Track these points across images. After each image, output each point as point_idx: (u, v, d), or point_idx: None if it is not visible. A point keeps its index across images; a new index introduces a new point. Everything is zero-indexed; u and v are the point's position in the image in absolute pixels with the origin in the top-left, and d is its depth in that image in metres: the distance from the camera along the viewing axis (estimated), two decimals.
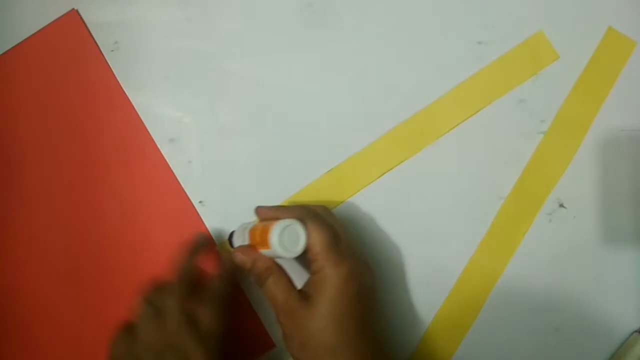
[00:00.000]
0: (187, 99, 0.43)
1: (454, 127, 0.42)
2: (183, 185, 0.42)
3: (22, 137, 0.43)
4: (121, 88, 0.43)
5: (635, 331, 0.42)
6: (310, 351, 0.33)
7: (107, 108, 0.43)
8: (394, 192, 0.42)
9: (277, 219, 0.35)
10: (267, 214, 0.37)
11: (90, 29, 0.43)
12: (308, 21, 0.43)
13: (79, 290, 0.42)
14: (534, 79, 0.43)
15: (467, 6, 0.43)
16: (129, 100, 0.43)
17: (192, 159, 0.43)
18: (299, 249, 0.33)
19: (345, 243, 0.35)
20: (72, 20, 0.43)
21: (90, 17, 0.43)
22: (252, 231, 0.37)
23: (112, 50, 0.43)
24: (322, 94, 0.43)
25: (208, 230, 0.42)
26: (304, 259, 0.35)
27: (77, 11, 0.43)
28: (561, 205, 0.42)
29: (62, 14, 0.43)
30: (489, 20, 0.43)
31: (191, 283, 0.38)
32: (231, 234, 0.40)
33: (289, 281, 0.35)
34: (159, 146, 0.42)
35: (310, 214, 0.35)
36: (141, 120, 0.42)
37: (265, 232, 0.34)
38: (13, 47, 0.43)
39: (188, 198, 0.42)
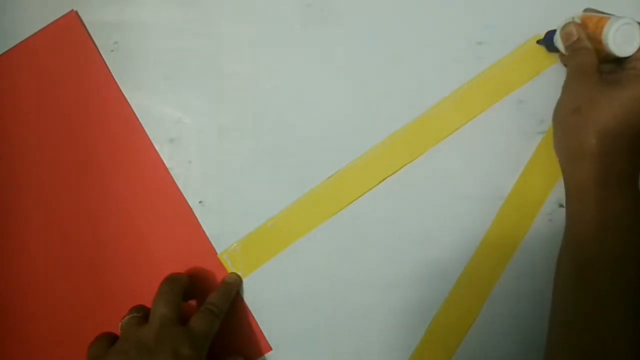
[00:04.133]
0: (186, 99, 0.43)
1: (454, 131, 0.42)
2: (183, 185, 0.42)
3: (20, 137, 0.43)
4: (119, 89, 0.43)
5: None
6: (581, 118, 0.35)
7: (105, 109, 0.43)
8: (394, 194, 0.42)
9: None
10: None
11: (90, 30, 0.43)
12: (307, 21, 0.43)
13: (76, 290, 0.42)
14: (534, 80, 0.43)
15: (467, 6, 0.43)
16: (127, 101, 0.43)
17: (191, 159, 0.43)
18: (632, 48, 0.35)
19: None
20: (72, 21, 0.43)
21: (91, 18, 0.43)
22: (587, 19, 0.38)
23: (112, 51, 0.43)
24: (321, 94, 0.43)
25: (205, 233, 0.42)
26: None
27: (76, 12, 0.43)
28: (561, 206, 0.42)
29: (61, 14, 0.43)
30: (488, 20, 0.43)
31: (184, 294, 0.39)
32: (549, 32, 0.40)
33: (599, 63, 0.36)
34: (158, 146, 0.42)
35: None
36: (139, 121, 0.42)
37: (601, 23, 0.35)
38: (12, 48, 0.43)
39: (185, 199, 0.42)
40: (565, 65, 0.40)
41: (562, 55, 0.41)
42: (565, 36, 0.38)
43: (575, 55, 0.37)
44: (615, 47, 0.35)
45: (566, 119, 0.36)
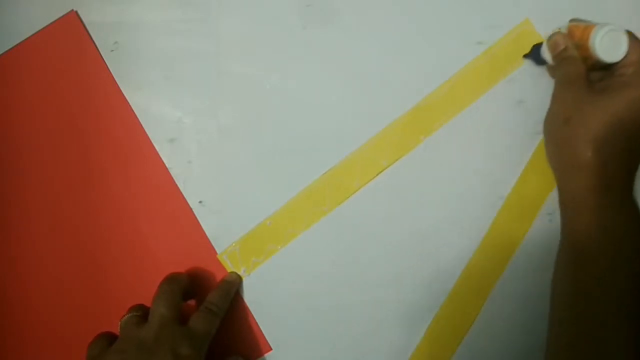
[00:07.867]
0: (186, 99, 0.43)
1: (448, 120, 0.42)
2: (183, 185, 0.42)
3: (20, 137, 0.43)
4: (119, 89, 0.43)
5: None
6: (572, 129, 0.35)
7: (105, 109, 0.43)
8: (394, 192, 0.42)
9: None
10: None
11: (90, 30, 0.43)
12: (308, 21, 0.43)
13: (75, 290, 0.42)
14: (534, 79, 0.43)
15: (466, 6, 0.43)
16: (127, 101, 0.43)
17: (191, 159, 0.43)
18: (619, 54, 0.35)
19: None
20: (72, 21, 0.43)
21: (91, 17, 0.43)
22: (574, 27, 0.38)
23: (112, 51, 0.43)
24: (321, 93, 0.43)
25: (205, 233, 0.42)
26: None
27: (76, 12, 0.43)
28: None
29: (61, 14, 0.43)
30: (488, 20, 0.43)
31: (184, 294, 0.39)
32: (535, 46, 0.41)
33: (586, 71, 0.36)
34: (158, 146, 0.43)
35: None
36: (139, 121, 0.42)
37: (587, 31, 0.35)
38: (12, 48, 0.43)
39: (185, 199, 0.42)
40: (553, 77, 0.40)
41: (550, 68, 0.40)
42: (552, 46, 0.38)
43: (563, 64, 0.37)
44: (603, 53, 0.35)
45: (557, 130, 0.36)
